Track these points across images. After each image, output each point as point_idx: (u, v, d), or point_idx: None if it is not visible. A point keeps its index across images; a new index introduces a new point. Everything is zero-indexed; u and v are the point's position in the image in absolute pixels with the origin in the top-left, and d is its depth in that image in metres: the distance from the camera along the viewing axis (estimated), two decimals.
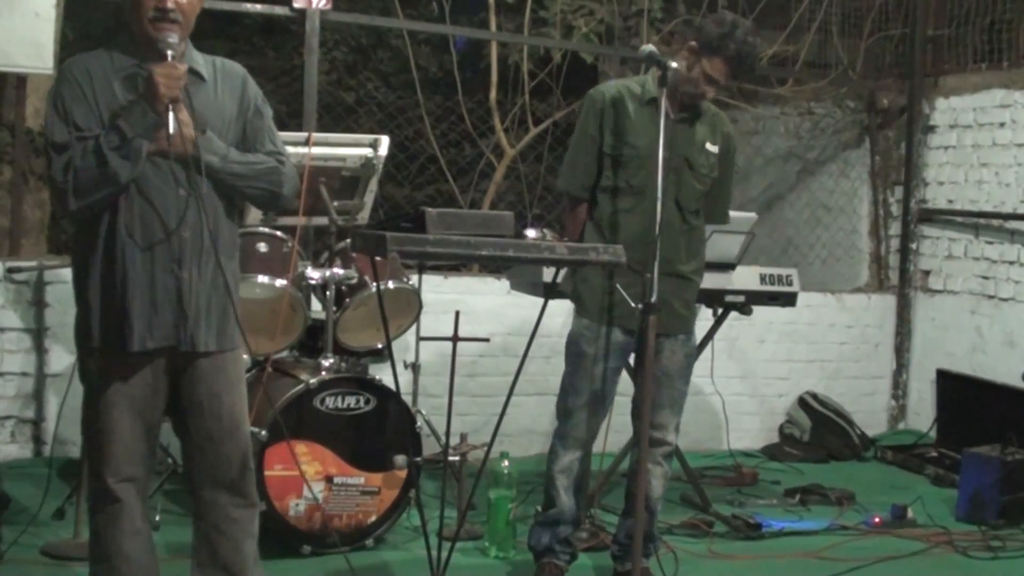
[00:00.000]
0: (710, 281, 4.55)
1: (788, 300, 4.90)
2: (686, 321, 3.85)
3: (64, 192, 2.75)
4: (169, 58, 2.76)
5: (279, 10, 5.33)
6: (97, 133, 2.74)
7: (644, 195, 3.67)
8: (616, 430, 3.96)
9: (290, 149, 4.06)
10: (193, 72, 2.87)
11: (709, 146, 3.77)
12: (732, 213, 4.33)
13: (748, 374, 6.34)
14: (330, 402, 4.05)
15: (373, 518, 4.13)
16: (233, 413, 2.98)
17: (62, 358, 4.93)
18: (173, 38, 2.77)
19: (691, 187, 3.72)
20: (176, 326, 2.85)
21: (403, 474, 4.13)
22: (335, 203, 4.31)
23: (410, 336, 4.63)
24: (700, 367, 5.15)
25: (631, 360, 3.94)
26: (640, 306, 3.40)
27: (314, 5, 5.22)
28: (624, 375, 3.93)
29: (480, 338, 4.26)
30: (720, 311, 4.89)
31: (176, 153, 2.80)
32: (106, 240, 2.82)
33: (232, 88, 2.97)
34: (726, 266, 4.65)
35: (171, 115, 2.73)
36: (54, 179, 2.76)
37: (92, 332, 2.85)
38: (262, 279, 4.11)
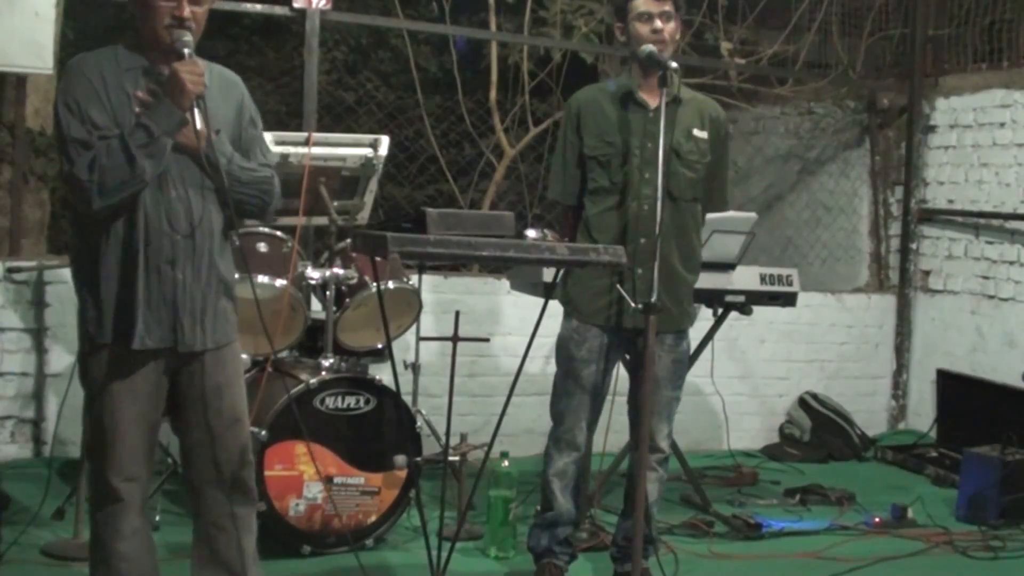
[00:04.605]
0: (710, 281, 4.54)
1: (788, 300, 4.90)
2: (674, 320, 3.71)
3: (88, 191, 2.71)
4: (187, 57, 2.76)
5: (279, 10, 5.33)
6: (117, 132, 2.73)
7: (628, 192, 3.66)
8: (615, 430, 3.95)
9: (290, 149, 4.11)
10: None
11: (696, 132, 3.72)
12: (732, 213, 4.32)
13: (748, 374, 6.34)
14: (330, 402, 4.05)
15: (373, 518, 4.13)
16: (234, 407, 2.98)
17: (62, 358, 4.93)
18: (188, 37, 2.78)
19: (681, 175, 3.67)
20: (173, 328, 2.85)
21: (403, 474, 4.13)
22: (335, 203, 4.31)
23: (410, 336, 4.63)
24: (700, 367, 5.16)
25: (626, 360, 3.92)
26: (640, 305, 3.39)
27: (314, 5, 5.22)
28: (624, 374, 3.92)
29: (480, 338, 4.27)
30: (720, 311, 4.88)
31: (190, 151, 2.81)
32: (125, 236, 2.80)
33: (229, 96, 2.98)
34: (726, 266, 4.65)
35: (196, 112, 2.75)
36: (77, 177, 2.71)
37: (104, 328, 2.83)
38: (262, 279, 4.11)
